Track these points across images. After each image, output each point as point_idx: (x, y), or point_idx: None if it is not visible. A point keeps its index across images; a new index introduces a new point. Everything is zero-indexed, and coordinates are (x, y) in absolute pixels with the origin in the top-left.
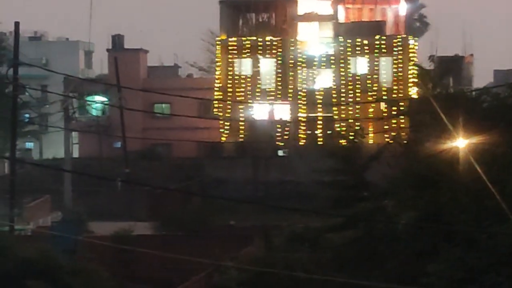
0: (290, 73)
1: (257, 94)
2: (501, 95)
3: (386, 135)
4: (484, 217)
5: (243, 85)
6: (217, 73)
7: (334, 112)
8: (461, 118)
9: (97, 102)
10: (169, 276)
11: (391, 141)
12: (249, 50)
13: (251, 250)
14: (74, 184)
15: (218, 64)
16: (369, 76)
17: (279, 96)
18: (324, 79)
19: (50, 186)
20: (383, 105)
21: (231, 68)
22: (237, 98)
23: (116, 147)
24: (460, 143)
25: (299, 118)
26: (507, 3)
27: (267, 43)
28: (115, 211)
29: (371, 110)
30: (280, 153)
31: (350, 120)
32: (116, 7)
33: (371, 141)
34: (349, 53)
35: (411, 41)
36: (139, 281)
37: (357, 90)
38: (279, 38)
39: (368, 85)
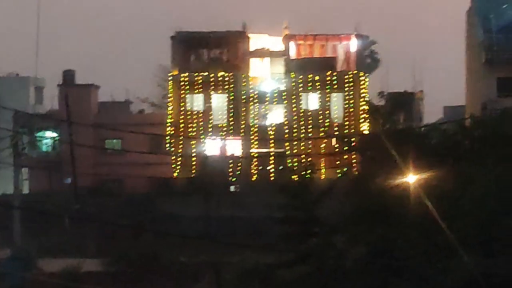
0: (242, 109)
1: (209, 129)
2: (449, 132)
3: (337, 171)
4: (433, 252)
5: (195, 121)
6: (169, 108)
7: (286, 147)
8: (410, 154)
9: (48, 137)
10: None
11: (342, 177)
12: (201, 86)
13: (202, 287)
14: (23, 220)
15: (170, 99)
16: (321, 112)
17: (231, 131)
18: (276, 115)
19: None
20: (334, 141)
21: (183, 104)
22: (189, 134)
23: (67, 183)
24: (410, 178)
25: (251, 154)
26: (456, 40)
27: (219, 78)
28: (65, 248)
29: (322, 145)
30: (232, 188)
31: (302, 156)
32: (67, 42)
33: (323, 177)
34: (300, 89)
35: (362, 77)
36: None
37: (308, 126)
38: (231, 74)
39: (320, 120)
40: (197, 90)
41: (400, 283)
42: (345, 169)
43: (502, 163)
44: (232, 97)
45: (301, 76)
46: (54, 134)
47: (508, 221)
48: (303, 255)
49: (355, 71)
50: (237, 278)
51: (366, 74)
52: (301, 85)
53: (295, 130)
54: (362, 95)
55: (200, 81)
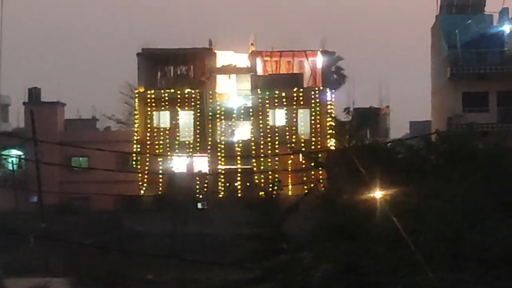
0: (209, 125)
1: (176, 146)
2: (415, 147)
3: (304, 187)
4: (400, 267)
5: (162, 138)
6: (135, 125)
7: (253, 164)
8: (377, 169)
9: (13, 156)
10: None
11: (309, 193)
12: (167, 103)
13: None
14: None
15: (136, 116)
16: (287, 128)
17: (198, 148)
18: (243, 131)
19: None
20: (301, 157)
21: (149, 121)
22: (156, 151)
23: (33, 202)
24: (377, 194)
25: (218, 170)
26: (421, 56)
27: (186, 95)
28: (31, 267)
29: (289, 161)
30: (200, 205)
31: (269, 172)
32: (32, 59)
33: (290, 193)
34: (267, 105)
35: (328, 93)
36: None
37: (275, 142)
38: (197, 91)
39: (287, 136)
40: (163, 107)
41: None
42: (312, 185)
43: (468, 178)
44: (199, 113)
45: (268, 93)
46: (20, 152)
47: (473, 236)
48: (270, 271)
49: (321, 87)
50: None
51: (333, 90)
52: (267, 101)
53: (262, 147)
54: (328, 111)
55: (167, 98)
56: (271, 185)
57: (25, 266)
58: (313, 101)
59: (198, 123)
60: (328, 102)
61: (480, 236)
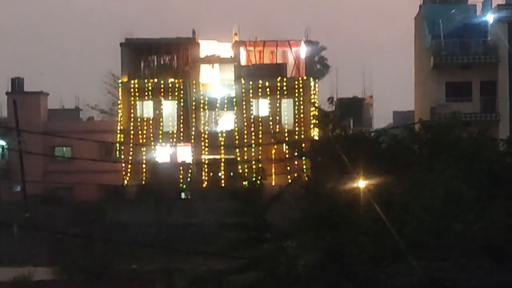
0: (193, 115)
1: (159, 136)
2: (398, 136)
3: (288, 176)
4: (383, 256)
5: (145, 128)
6: (119, 115)
7: (237, 154)
8: (360, 159)
9: None
10: None
11: (292, 183)
12: (151, 93)
13: None
14: None
15: (120, 106)
16: (271, 118)
17: (182, 138)
18: (227, 121)
19: None
20: (285, 147)
21: (133, 111)
22: (139, 141)
23: (16, 191)
24: (360, 183)
25: (202, 160)
26: (405, 46)
27: (169, 85)
28: (15, 257)
29: (273, 151)
30: (183, 195)
31: (252, 162)
32: (15, 49)
33: (273, 183)
34: (251, 95)
35: (312, 83)
36: None
37: (259, 132)
38: (180, 80)
39: (270, 126)
40: (147, 97)
41: None
42: (295, 175)
43: (451, 167)
44: (182, 103)
45: (251, 82)
46: (3, 142)
47: (456, 225)
48: (254, 261)
49: (305, 77)
50: (189, 285)
51: (316, 80)
52: (251, 91)
53: (245, 136)
54: (311, 101)
55: (150, 88)
56: (254, 175)
57: (8, 256)
58: (296, 91)
59: (181, 113)
60: (312, 92)
61: (463, 225)
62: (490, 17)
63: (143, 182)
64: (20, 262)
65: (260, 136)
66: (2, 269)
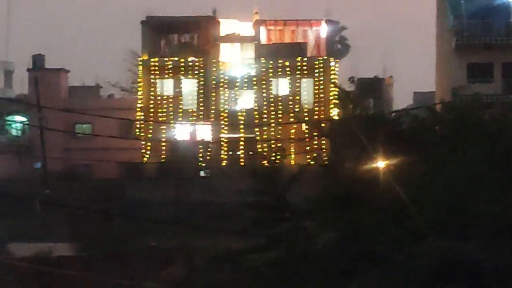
0: (212, 94)
1: (179, 114)
2: (419, 117)
3: (307, 156)
4: (402, 237)
5: (165, 106)
6: (139, 93)
7: (256, 133)
8: (380, 139)
9: (17, 122)
10: None
11: (312, 162)
12: (171, 71)
13: (172, 271)
14: None
15: (140, 84)
16: (291, 97)
17: (201, 116)
18: (246, 100)
19: None
20: (304, 126)
21: (153, 89)
22: (159, 119)
23: (37, 168)
24: (380, 163)
25: (221, 139)
26: (427, 26)
27: (189, 63)
28: (35, 233)
29: (292, 131)
30: (202, 173)
31: (271, 141)
32: (37, 26)
33: (292, 162)
34: (270, 74)
35: (332, 63)
36: None
37: (278, 111)
38: (201, 59)
39: (290, 106)
40: (167, 75)
41: (369, 268)
42: (315, 154)
43: (472, 148)
44: (202, 82)
45: (271, 62)
46: (24, 119)
47: (478, 205)
48: (273, 240)
49: (325, 57)
50: (208, 262)
51: (336, 60)
52: (271, 70)
53: (265, 116)
54: (332, 81)
55: (170, 66)
56: (274, 154)
57: (29, 232)
58: (316, 70)
59: (201, 91)
60: (332, 72)
61: (484, 206)
62: None
63: (163, 160)
64: (41, 238)
65: (280, 115)
66: (23, 245)
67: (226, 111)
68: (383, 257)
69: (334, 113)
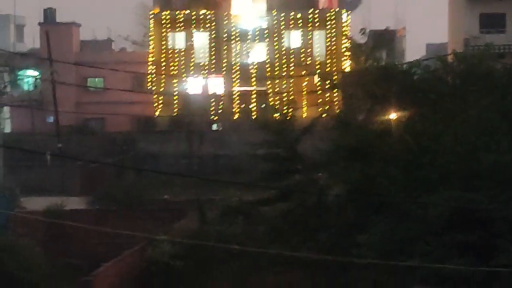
0: (224, 47)
1: (190, 68)
2: (431, 68)
3: (319, 109)
4: (414, 187)
5: (177, 59)
6: (150, 47)
7: (268, 85)
8: (392, 91)
9: (29, 76)
10: (102, 251)
11: (324, 114)
12: (182, 24)
13: (185, 224)
14: (6, 159)
15: (151, 38)
16: (303, 50)
17: (213, 70)
18: (258, 53)
19: None
20: (316, 79)
21: (164, 42)
22: (171, 72)
23: (49, 122)
24: (392, 115)
25: (233, 92)
26: None
27: (201, 16)
28: (48, 186)
29: (304, 83)
30: (214, 127)
31: (283, 94)
32: None
33: (304, 115)
34: (282, 27)
35: (344, 15)
36: (72, 256)
37: (290, 64)
38: (212, 12)
39: (302, 58)
40: (178, 28)
41: (380, 219)
42: (326, 107)
43: (484, 98)
44: (214, 35)
45: (283, 14)
46: (36, 73)
47: (488, 156)
48: (285, 192)
49: (337, 9)
50: (220, 215)
51: (348, 12)
52: (283, 23)
53: (277, 68)
54: (344, 33)
55: (182, 19)
56: (286, 107)
57: (41, 185)
58: (328, 22)
59: (213, 44)
60: (344, 24)
61: (495, 156)
62: None
63: (175, 114)
64: (53, 191)
65: (292, 68)
66: (35, 199)
67: (238, 64)
68: (394, 207)
69: (346, 65)
